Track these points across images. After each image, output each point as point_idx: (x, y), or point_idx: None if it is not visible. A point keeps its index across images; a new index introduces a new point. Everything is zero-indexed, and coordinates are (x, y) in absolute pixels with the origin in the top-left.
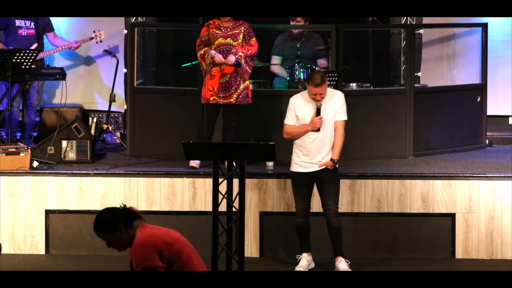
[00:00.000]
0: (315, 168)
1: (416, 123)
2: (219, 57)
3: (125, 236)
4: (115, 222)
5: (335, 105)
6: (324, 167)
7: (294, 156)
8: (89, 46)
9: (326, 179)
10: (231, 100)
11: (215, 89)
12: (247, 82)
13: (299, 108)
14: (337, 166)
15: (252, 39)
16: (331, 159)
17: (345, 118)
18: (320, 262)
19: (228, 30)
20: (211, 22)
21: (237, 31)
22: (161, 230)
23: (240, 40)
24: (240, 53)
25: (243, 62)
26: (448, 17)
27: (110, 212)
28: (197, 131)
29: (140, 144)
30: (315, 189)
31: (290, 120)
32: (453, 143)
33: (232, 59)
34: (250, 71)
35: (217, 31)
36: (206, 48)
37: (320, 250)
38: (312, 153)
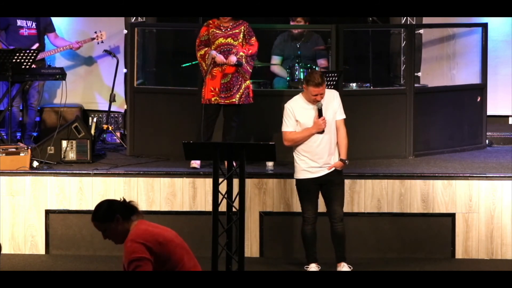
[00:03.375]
0: (324, 171)
1: (416, 123)
2: (220, 58)
3: (121, 228)
4: (113, 212)
5: (334, 105)
6: (333, 169)
7: (300, 162)
8: (89, 47)
9: (335, 182)
10: (233, 100)
11: (217, 89)
12: (248, 82)
13: (298, 113)
14: (347, 164)
15: (252, 39)
16: (341, 159)
17: (344, 116)
18: (320, 262)
19: (228, 29)
20: (211, 21)
21: (237, 31)
22: (156, 229)
23: (240, 40)
24: (241, 53)
25: (244, 62)
26: (448, 17)
27: (108, 203)
28: (197, 131)
29: (140, 144)
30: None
31: (289, 127)
32: (453, 143)
33: (233, 59)
34: (250, 70)
35: (217, 31)
36: (206, 48)
37: (320, 251)
38: (320, 157)
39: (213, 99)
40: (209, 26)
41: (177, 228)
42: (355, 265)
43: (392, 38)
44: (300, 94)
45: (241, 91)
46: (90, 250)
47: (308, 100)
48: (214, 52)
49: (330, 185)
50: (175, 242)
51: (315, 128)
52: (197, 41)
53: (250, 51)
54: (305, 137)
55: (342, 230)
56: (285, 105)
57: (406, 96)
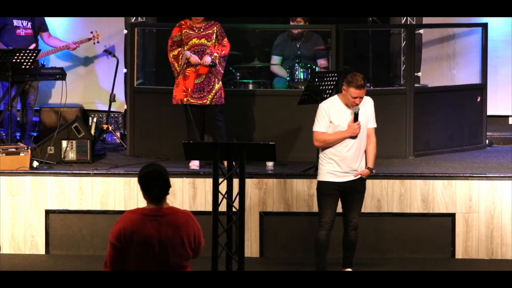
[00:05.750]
0: (349, 177)
1: (416, 123)
2: (195, 58)
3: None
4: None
5: (368, 112)
6: (359, 176)
7: (326, 165)
8: (89, 47)
9: (359, 189)
10: (205, 101)
11: (189, 89)
12: (220, 83)
13: (333, 114)
14: (373, 173)
15: (224, 39)
16: (368, 168)
17: (376, 125)
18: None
19: (201, 30)
20: (183, 22)
21: (210, 32)
22: (145, 225)
23: (213, 41)
24: (215, 54)
25: (217, 63)
26: (448, 17)
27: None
28: (189, 134)
29: (140, 144)
30: None
31: (322, 127)
32: (453, 143)
33: (208, 59)
34: (223, 71)
35: (190, 32)
36: (179, 49)
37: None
38: (348, 162)
39: (184, 99)
40: (181, 27)
41: None
42: (355, 265)
43: (392, 38)
44: (337, 95)
45: (213, 92)
46: (90, 250)
47: (345, 102)
48: (188, 53)
49: (352, 192)
50: (140, 249)
51: (349, 132)
52: (169, 41)
53: (223, 52)
54: (337, 140)
55: (355, 238)
56: (320, 104)
57: (406, 96)
